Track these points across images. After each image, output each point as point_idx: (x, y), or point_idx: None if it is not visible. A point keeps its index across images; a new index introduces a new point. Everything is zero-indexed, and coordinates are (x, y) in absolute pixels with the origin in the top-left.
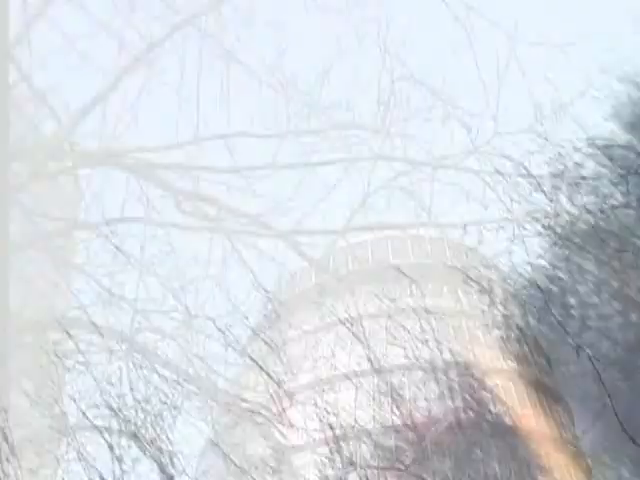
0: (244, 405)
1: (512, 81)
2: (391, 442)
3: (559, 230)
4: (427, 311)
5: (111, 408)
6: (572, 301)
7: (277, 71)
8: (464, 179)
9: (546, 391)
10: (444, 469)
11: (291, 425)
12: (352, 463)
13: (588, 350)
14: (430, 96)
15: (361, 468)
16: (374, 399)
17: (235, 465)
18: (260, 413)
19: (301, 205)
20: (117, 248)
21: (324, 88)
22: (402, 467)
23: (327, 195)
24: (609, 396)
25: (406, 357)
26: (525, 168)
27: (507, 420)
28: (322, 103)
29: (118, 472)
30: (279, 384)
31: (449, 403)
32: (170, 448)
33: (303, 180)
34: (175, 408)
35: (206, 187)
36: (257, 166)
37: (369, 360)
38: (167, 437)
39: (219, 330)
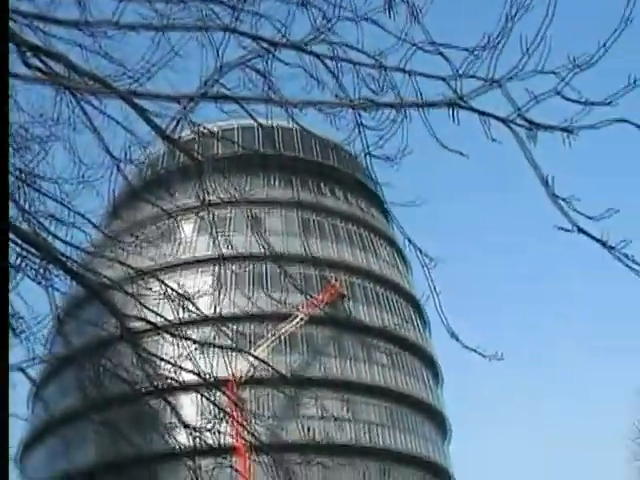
0: (94, 279)
1: None
2: (247, 330)
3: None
4: (287, 204)
5: None
6: None
7: None
8: (315, 65)
9: (397, 289)
10: (295, 361)
11: (144, 307)
12: (202, 344)
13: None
14: None
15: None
16: (232, 286)
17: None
18: (112, 290)
19: (150, 70)
20: None
21: None
22: (248, 351)
23: (177, 63)
24: (434, 289)
25: (262, 248)
26: (374, 58)
27: (361, 316)
28: None
29: None
30: (134, 263)
31: (303, 297)
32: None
33: (154, 45)
34: (14, 269)
35: (54, 43)
36: (104, 22)
37: (222, 247)
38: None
39: (65, 194)
